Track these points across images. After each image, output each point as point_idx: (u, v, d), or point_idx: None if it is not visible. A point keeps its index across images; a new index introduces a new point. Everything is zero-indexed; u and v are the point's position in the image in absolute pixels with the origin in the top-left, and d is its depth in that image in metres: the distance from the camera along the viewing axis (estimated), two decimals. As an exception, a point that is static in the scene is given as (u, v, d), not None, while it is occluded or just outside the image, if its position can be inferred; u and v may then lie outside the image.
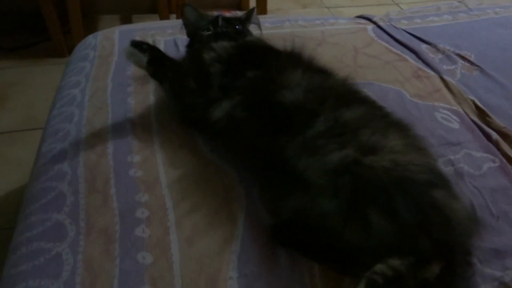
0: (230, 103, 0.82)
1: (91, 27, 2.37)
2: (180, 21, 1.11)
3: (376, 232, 0.64)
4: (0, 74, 1.99)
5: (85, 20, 2.10)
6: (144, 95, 0.97)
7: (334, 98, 0.77)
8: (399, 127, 0.77)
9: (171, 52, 1.12)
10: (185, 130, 0.90)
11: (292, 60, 0.88)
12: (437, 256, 0.62)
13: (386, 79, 1.07)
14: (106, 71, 1.05)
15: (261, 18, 1.15)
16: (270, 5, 2.43)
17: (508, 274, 0.67)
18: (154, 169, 0.81)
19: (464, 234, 0.67)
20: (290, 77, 0.82)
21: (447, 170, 0.84)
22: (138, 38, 1.17)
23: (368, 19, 1.34)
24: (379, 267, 0.60)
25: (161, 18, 2.16)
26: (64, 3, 2.07)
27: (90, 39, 1.19)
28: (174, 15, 2.24)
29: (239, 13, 2.67)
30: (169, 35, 1.19)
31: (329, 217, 0.67)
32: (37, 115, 1.76)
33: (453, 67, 1.15)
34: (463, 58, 1.17)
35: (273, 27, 1.27)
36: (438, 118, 0.97)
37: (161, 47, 1.13)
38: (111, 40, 1.16)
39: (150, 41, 1.15)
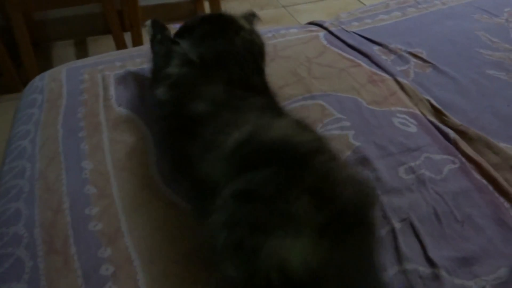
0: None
1: (44, 56, 2.31)
2: (127, 51, 1.08)
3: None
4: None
5: (37, 49, 2.04)
6: (97, 138, 0.94)
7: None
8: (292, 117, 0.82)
9: (122, 85, 1.09)
10: (143, 169, 0.88)
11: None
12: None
13: (342, 88, 1.07)
14: (55, 116, 1.01)
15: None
16: (227, 9, 2.41)
17: (478, 283, 0.68)
18: (115, 219, 0.78)
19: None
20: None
21: (408, 178, 0.84)
22: (86, 75, 1.14)
23: (319, 25, 1.33)
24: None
25: (115, 38, 2.12)
26: (12, 36, 2.00)
27: (37, 82, 1.15)
28: (128, 33, 2.21)
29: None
30: (119, 68, 1.15)
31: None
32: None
33: (406, 67, 1.15)
34: (415, 56, 1.18)
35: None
36: (395, 123, 0.97)
37: (111, 82, 1.10)
38: (58, 81, 1.12)
39: (99, 77, 1.12)
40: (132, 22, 2.16)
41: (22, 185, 0.87)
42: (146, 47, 1.20)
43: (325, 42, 1.25)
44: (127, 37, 2.17)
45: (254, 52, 0.98)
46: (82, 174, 0.87)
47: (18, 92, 2.06)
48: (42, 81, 1.14)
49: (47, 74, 1.17)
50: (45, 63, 2.25)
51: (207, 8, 2.48)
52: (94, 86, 1.09)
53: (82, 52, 2.40)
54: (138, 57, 1.19)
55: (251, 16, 1.04)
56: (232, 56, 0.94)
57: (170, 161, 0.87)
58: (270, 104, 0.87)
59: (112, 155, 0.91)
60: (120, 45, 2.13)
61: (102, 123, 0.98)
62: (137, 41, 2.17)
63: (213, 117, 0.79)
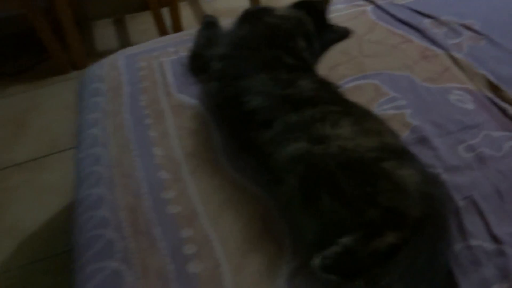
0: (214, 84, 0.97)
1: (87, 35, 2.38)
2: (178, 35, 1.12)
3: (330, 215, 0.69)
4: (13, 101, 2.05)
5: (80, 29, 2.11)
6: (163, 126, 1.00)
7: (287, 105, 0.85)
8: (355, 116, 0.82)
9: (179, 71, 1.14)
10: (210, 153, 0.94)
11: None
12: (389, 225, 0.65)
13: (394, 65, 1.08)
14: (120, 104, 1.07)
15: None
16: None
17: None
18: (190, 202, 0.85)
19: (416, 200, 0.68)
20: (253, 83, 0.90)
21: (468, 156, 0.86)
22: (142, 62, 1.19)
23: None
24: (332, 247, 0.65)
25: (154, 14, 2.15)
26: (58, 17, 2.07)
27: (96, 70, 1.20)
28: (166, 9, 2.23)
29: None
30: (173, 53, 1.20)
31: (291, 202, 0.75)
32: (57, 138, 1.82)
33: (458, 40, 1.14)
34: (468, 28, 1.16)
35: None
36: (452, 100, 0.98)
37: (168, 68, 1.15)
38: (117, 69, 1.18)
39: (155, 64, 1.17)
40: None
41: (101, 172, 0.94)
42: (194, 30, 1.24)
43: (373, 17, 1.25)
44: (165, 13, 2.20)
45: (279, 34, 1.04)
46: (154, 160, 0.94)
47: (66, 73, 2.16)
48: (101, 69, 1.20)
49: (105, 62, 1.23)
50: (89, 43, 2.33)
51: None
52: (152, 73, 1.14)
53: (121, 29, 2.45)
54: (189, 42, 1.22)
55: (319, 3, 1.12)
56: (256, 40, 1.03)
57: (233, 147, 0.93)
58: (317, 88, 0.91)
59: (179, 141, 0.97)
60: (159, 20, 2.17)
61: (165, 110, 1.04)
62: (175, 16, 2.18)
63: (270, 111, 0.84)
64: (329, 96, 0.89)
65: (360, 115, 0.83)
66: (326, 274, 0.64)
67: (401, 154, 0.76)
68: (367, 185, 0.68)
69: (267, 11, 1.11)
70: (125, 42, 2.35)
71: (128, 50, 1.26)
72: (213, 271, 0.74)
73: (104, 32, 2.44)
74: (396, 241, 0.64)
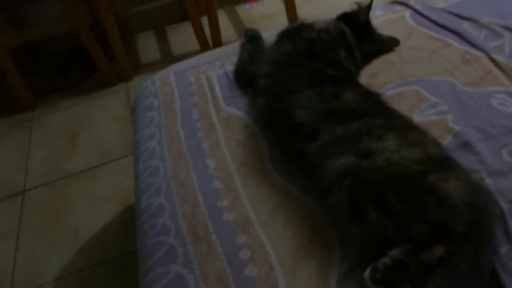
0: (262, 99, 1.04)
1: (131, 48, 2.51)
2: (223, 50, 1.18)
3: (377, 227, 0.73)
4: (65, 114, 2.19)
5: (123, 43, 2.23)
6: (214, 138, 1.07)
7: (332, 118, 0.89)
8: (398, 129, 0.85)
9: (225, 85, 1.21)
10: (260, 163, 1.00)
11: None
12: (437, 239, 0.69)
13: (434, 71, 1.10)
14: (174, 118, 1.15)
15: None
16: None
17: None
18: (243, 210, 0.92)
19: (462, 213, 0.71)
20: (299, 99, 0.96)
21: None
22: (191, 78, 1.27)
23: (404, 4, 1.34)
24: (382, 259, 0.69)
25: (193, 24, 2.24)
26: (103, 33, 2.20)
27: (150, 86, 1.30)
28: (205, 17, 2.31)
29: (265, 0, 2.65)
30: (219, 68, 1.27)
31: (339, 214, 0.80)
32: (107, 148, 1.94)
33: (500, 42, 1.15)
34: (509, 29, 1.16)
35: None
36: (494, 104, 0.99)
37: (215, 83, 1.22)
38: (169, 85, 1.26)
39: (204, 79, 1.24)
40: (208, 7, 2.25)
41: (159, 182, 1.03)
42: (237, 43, 1.31)
43: (412, 22, 1.27)
44: (204, 21, 2.28)
45: (319, 47, 1.10)
46: (208, 170, 1.01)
47: (114, 85, 2.28)
48: (154, 86, 1.29)
49: (156, 79, 1.31)
50: (133, 55, 2.45)
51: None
52: (201, 88, 1.22)
53: (162, 41, 2.56)
54: (234, 55, 1.29)
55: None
56: (298, 55, 1.09)
57: (281, 157, 0.99)
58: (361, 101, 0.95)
59: (230, 152, 1.03)
60: (199, 30, 2.25)
61: (216, 123, 1.11)
62: (214, 25, 2.25)
63: (316, 124, 0.90)
64: (373, 108, 0.93)
65: (403, 127, 0.87)
66: (376, 285, 0.68)
67: (445, 163, 0.79)
68: (414, 199, 0.72)
69: (306, 26, 1.17)
70: (166, 53, 2.46)
71: (177, 66, 1.34)
72: (268, 275, 0.80)
73: (146, 44, 2.56)
74: (444, 254, 0.67)
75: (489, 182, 0.85)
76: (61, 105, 2.24)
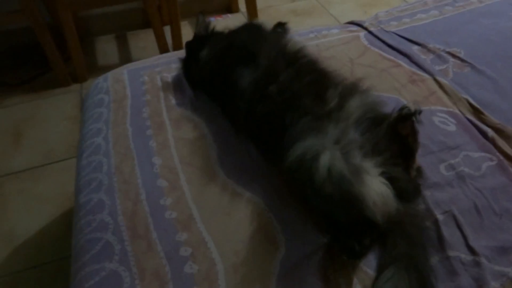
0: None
1: (89, 50, 2.44)
2: (182, 53, 1.18)
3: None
4: (11, 111, 2.08)
5: (81, 44, 2.17)
6: (163, 137, 1.05)
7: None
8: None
9: (179, 87, 1.20)
10: (207, 163, 0.99)
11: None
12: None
13: (383, 88, 1.14)
14: (123, 115, 1.12)
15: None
16: (259, 3, 2.48)
17: (514, 269, 0.76)
18: (187, 208, 0.90)
19: None
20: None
21: (449, 174, 0.92)
22: (146, 77, 1.25)
23: (359, 25, 1.40)
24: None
25: (155, 32, 2.23)
26: (60, 32, 2.13)
27: (101, 82, 1.26)
28: (167, 27, 2.30)
29: (229, 16, 2.70)
30: (175, 70, 1.26)
31: None
32: (54, 148, 1.85)
33: (444, 66, 1.22)
34: (454, 55, 1.24)
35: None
36: (436, 122, 1.04)
37: (170, 83, 1.21)
38: (121, 82, 1.23)
39: (158, 79, 1.23)
40: (171, 17, 2.24)
41: (101, 178, 0.99)
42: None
43: (365, 42, 1.32)
44: (166, 31, 2.27)
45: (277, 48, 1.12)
46: (153, 169, 0.98)
47: (67, 86, 2.21)
48: (106, 82, 1.26)
49: (110, 76, 1.28)
50: (90, 57, 2.39)
51: (241, 2, 2.55)
52: (155, 88, 1.20)
53: (122, 45, 2.52)
54: (191, 59, 1.29)
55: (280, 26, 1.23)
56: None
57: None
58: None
59: (177, 152, 1.02)
60: (160, 38, 2.23)
61: (166, 122, 1.09)
62: (176, 35, 2.25)
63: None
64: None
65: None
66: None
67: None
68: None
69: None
70: (125, 57, 2.41)
71: (133, 65, 1.32)
72: (209, 271, 0.78)
73: (105, 47, 2.51)
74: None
75: (426, 193, 0.88)
76: (8, 102, 2.13)
